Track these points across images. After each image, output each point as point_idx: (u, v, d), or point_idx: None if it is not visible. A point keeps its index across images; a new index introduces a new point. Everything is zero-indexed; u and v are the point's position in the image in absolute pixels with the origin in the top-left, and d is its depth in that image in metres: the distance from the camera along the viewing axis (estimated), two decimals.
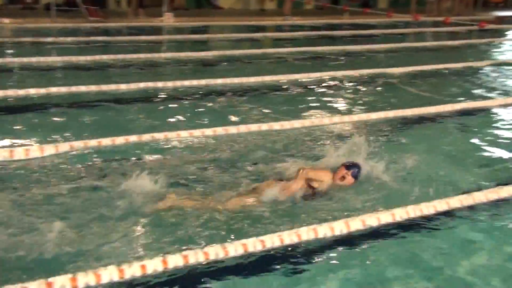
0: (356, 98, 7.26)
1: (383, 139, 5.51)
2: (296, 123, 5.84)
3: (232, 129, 5.53)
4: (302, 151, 5.04)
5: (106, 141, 4.93)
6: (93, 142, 4.88)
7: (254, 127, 5.63)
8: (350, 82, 8.16)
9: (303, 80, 8.11)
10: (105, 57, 8.83)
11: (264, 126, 5.66)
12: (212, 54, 9.88)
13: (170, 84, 7.37)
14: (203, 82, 7.52)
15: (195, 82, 7.48)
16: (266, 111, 6.35)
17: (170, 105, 6.53)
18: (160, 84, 7.29)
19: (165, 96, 6.94)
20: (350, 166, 4.21)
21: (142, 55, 9.23)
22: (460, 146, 5.45)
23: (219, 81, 7.64)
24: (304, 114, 6.28)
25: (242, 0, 17.44)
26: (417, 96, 7.46)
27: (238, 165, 4.57)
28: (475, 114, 6.63)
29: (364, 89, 7.87)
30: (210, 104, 6.57)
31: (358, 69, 8.81)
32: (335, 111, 6.52)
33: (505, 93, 7.80)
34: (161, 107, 6.46)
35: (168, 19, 13.35)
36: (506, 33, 13.94)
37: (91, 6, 12.97)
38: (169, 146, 5.02)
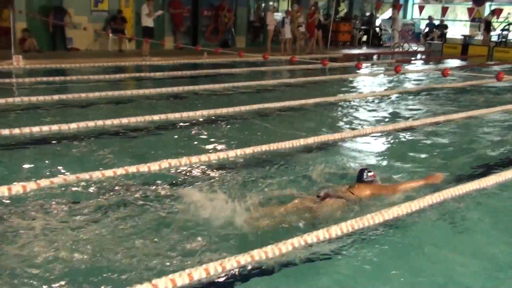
0: (215, 137, 7.33)
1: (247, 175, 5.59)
2: (154, 166, 5.78)
3: (86, 175, 5.34)
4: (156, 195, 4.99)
5: None
6: None
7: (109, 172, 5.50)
8: (207, 122, 8.25)
9: (162, 120, 8.06)
10: None
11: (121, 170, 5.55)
12: (66, 97, 9.46)
13: (17, 131, 6.96)
14: (54, 127, 7.20)
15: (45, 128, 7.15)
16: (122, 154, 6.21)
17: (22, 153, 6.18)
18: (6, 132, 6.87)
19: (14, 143, 6.53)
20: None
21: None
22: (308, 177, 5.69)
23: (73, 125, 7.35)
24: (163, 154, 6.23)
25: (99, 41, 17.07)
26: (272, 131, 7.73)
27: None
28: (325, 147, 7.00)
29: (221, 128, 7.99)
30: (65, 150, 6.34)
31: (216, 108, 8.94)
32: (194, 151, 6.51)
33: (352, 127, 8.36)
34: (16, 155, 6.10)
35: (18, 62, 12.64)
36: (351, 68, 15.01)
37: None
38: None
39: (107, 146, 6.56)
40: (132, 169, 5.62)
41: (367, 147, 7.14)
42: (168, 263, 3.75)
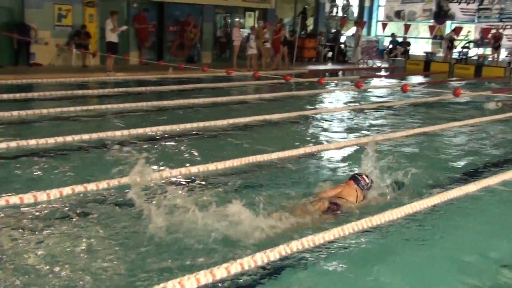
0: (179, 153, 7.30)
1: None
2: (113, 182, 5.71)
3: (43, 194, 5.21)
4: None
5: None
6: None
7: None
8: (172, 137, 8.21)
9: (126, 136, 7.99)
10: None
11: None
12: (30, 112, 9.30)
13: None
14: (12, 144, 7.06)
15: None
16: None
17: None
18: None
19: None
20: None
21: None
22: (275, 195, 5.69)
23: (32, 141, 7.22)
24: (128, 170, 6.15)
25: (62, 57, 16.86)
26: (235, 147, 7.73)
27: None
28: (289, 162, 7.04)
29: (185, 143, 7.95)
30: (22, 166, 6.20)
31: (180, 123, 8.91)
32: (158, 167, 6.46)
33: (317, 141, 8.43)
34: None
35: None
36: (315, 84, 15.17)
37: None
38: None
39: (69, 162, 6.46)
40: (92, 186, 5.54)
41: (331, 162, 7.20)
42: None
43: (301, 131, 9.28)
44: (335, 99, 13.55)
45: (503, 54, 22.20)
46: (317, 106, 12.15)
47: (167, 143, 7.86)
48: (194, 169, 6.39)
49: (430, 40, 25.60)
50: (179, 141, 8.02)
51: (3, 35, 15.34)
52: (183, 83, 14.35)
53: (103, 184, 5.63)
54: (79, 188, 5.46)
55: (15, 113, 9.12)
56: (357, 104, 12.66)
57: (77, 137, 7.61)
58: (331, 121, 10.27)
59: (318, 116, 10.70)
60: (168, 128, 8.60)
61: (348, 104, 12.67)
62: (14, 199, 5.06)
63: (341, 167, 6.98)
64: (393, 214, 5.10)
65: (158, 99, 11.47)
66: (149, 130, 8.39)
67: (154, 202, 4.82)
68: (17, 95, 11.26)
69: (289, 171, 6.63)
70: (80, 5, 17.19)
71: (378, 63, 23.79)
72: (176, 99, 11.57)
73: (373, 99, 13.75)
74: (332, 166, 7.01)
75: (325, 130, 9.45)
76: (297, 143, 8.08)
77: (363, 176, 5.47)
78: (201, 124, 9.01)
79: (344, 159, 7.41)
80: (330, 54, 24.82)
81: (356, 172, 5.74)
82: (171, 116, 9.95)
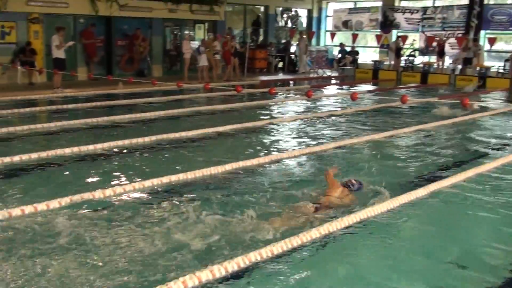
0: (131, 168, 7.18)
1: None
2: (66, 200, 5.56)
3: None
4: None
5: None
6: None
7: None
8: (123, 152, 8.08)
9: (76, 153, 7.81)
10: None
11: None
12: None
13: None
14: None
15: None
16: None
17: None
18: None
19: None
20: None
21: None
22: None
23: None
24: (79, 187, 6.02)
25: (7, 75, 16.36)
26: (188, 159, 7.67)
27: None
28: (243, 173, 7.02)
29: (146, 156, 7.85)
30: None
31: (132, 138, 8.78)
32: (110, 183, 6.33)
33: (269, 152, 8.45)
34: None
35: None
36: (267, 95, 15.27)
37: None
38: None
39: (16, 184, 6.26)
40: (42, 206, 5.39)
41: (282, 172, 7.22)
42: None
43: (254, 142, 9.28)
44: (286, 109, 13.65)
45: (447, 61, 22.92)
46: (268, 116, 12.19)
47: (119, 159, 7.73)
48: (148, 183, 6.29)
49: (378, 49, 26.15)
50: (132, 156, 7.90)
51: None
52: (133, 97, 14.17)
53: (54, 204, 5.47)
54: (29, 209, 5.30)
55: None
56: (308, 113, 12.80)
57: (24, 157, 7.39)
58: (283, 131, 10.34)
59: (270, 126, 10.73)
60: (120, 143, 8.46)
61: (299, 113, 12.78)
62: None
63: (296, 175, 7.02)
64: (345, 221, 5.18)
65: (109, 114, 11.28)
66: (100, 147, 8.22)
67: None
68: None
69: (244, 181, 6.62)
70: (24, 22, 16.75)
71: (328, 72, 24.15)
72: (128, 113, 11.40)
73: (324, 107, 13.93)
74: (287, 174, 7.03)
75: (278, 140, 9.50)
76: (251, 154, 8.09)
77: (351, 179, 6.06)
78: (153, 137, 8.90)
79: (297, 168, 7.45)
80: (280, 64, 25.05)
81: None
82: (122, 131, 9.79)
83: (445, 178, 6.76)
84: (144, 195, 6.03)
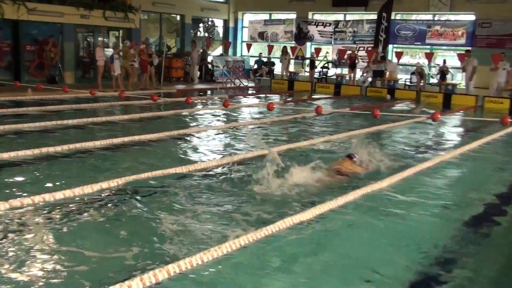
0: (49, 177, 6.84)
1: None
2: None
3: None
4: None
5: None
6: None
7: None
8: (34, 162, 7.69)
9: None
10: None
11: None
12: None
13: None
14: None
15: None
16: None
17: None
18: None
19: None
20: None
21: None
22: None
23: None
24: None
25: None
26: (101, 169, 7.42)
27: None
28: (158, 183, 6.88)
29: (54, 167, 7.50)
30: None
31: (42, 146, 8.38)
32: (14, 194, 5.99)
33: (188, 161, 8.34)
34: None
35: None
36: (183, 104, 15.14)
37: None
38: None
39: None
40: None
41: (202, 181, 7.14)
42: None
43: (170, 151, 9.14)
44: (203, 119, 13.55)
45: (358, 73, 23.82)
46: (185, 126, 12.05)
47: (29, 168, 7.34)
48: (59, 195, 6.01)
49: (293, 61, 26.74)
50: (41, 165, 7.53)
51: None
52: (44, 104, 13.54)
53: None
54: None
55: None
56: (225, 123, 12.79)
57: None
58: (199, 141, 10.23)
59: (187, 136, 10.60)
60: (29, 152, 8.04)
61: (216, 123, 12.75)
62: None
63: (214, 184, 6.96)
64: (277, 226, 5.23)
65: (16, 122, 10.71)
66: (7, 156, 7.77)
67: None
68: None
69: (162, 191, 6.49)
70: None
71: (245, 82, 24.37)
72: (37, 121, 10.87)
73: (240, 117, 13.99)
74: (206, 183, 6.97)
75: (194, 149, 9.39)
76: (168, 163, 7.94)
77: (353, 154, 7.74)
78: (66, 146, 8.54)
79: (213, 178, 7.39)
80: (197, 73, 24.98)
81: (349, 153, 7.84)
82: (31, 139, 9.31)
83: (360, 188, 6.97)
84: (60, 206, 5.74)
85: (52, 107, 13.17)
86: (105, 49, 19.31)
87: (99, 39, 20.78)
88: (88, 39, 21.31)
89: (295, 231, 5.23)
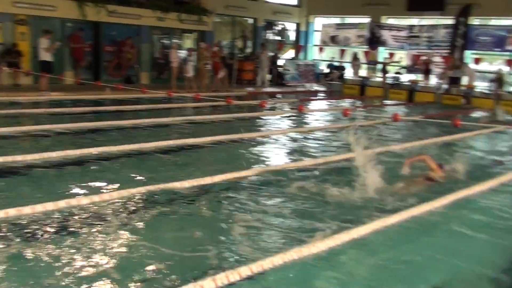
0: (115, 175, 7.01)
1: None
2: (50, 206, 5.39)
3: None
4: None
5: None
6: None
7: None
8: (112, 159, 7.90)
9: (61, 157, 7.62)
10: None
11: None
12: None
13: None
14: None
15: None
16: None
17: None
18: None
19: None
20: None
21: None
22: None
23: None
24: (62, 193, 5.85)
25: None
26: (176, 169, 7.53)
27: None
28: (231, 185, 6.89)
29: (131, 163, 7.69)
30: None
31: (119, 144, 8.60)
32: (92, 190, 6.17)
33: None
34: None
35: None
36: (256, 107, 15.17)
37: None
38: None
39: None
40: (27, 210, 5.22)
41: (274, 184, 7.08)
42: None
43: (243, 154, 9.15)
44: (276, 122, 13.52)
45: (432, 80, 23.11)
46: (258, 129, 12.09)
47: (105, 164, 7.55)
48: (140, 190, 6.13)
49: (364, 65, 26.30)
50: (117, 162, 7.73)
51: None
52: (121, 103, 13.96)
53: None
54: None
55: None
56: (298, 127, 12.71)
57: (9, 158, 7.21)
58: (272, 144, 10.19)
59: (260, 139, 10.59)
60: (106, 149, 8.28)
61: (290, 127, 12.70)
62: None
63: (289, 186, 6.88)
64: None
65: (96, 120, 11.09)
66: (87, 151, 8.04)
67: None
68: None
69: (236, 192, 6.49)
70: (11, 23, 16.52)
71: (316, 87, 24.20)
72: (115, 119, 11.21)
73: (313, 122, 13.86)
74: (276, 188, 6.90)
75: (268, 152, 9.38)
76: (241, 165, 7.95)
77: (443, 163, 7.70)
78: (142, 145, 8.74)
79: (289, 180, 7.30)
80: (268, 76, 25.01)
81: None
82: (109, 137, 9.61)
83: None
84: (136, 201, 5.87)
85: (133, 107, 13.54)
86: (179, 51, 19.72)
87: (173, 41, 21.25)
88: (163, 41, 21.83)
89: (381, 235, 5.11)
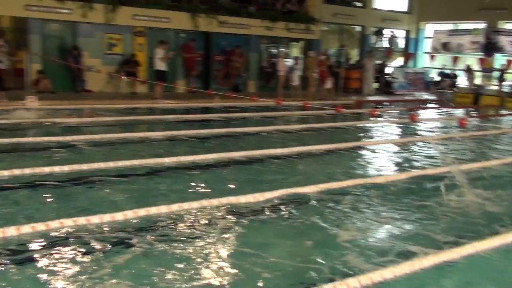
0: (224, 182, 7.17)
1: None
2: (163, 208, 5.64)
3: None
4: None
5: None
6: None
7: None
8: (219, 165, 8.10)
9: (175, 163, 7.95)
10: None
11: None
12: (80, 138, 9.41)
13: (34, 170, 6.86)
14: (65, 168, 7.10)
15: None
16: None
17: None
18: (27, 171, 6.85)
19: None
20: None
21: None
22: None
23: (84, 166, 7.24)
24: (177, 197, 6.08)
25: (112, 83, 17.15)
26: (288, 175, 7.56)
27: None
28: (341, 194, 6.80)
29: (235, 172, 7.84)
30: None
31: (230, 151, 8.81)
32: (201, 195, 6.34)
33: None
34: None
35: (31, 103, 12.65)
36: (364, 115, 14.92)
37: None
38: None
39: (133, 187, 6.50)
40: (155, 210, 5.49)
41: (381, 194, 6.90)
42: None
43: (355, 163, 9.02)
44: (386, 131, 13.17)
45: None
46: (367, 138, 11.89)
47: (214, 170, 7.76)
48: (242, 199, 6.23)
49: (478, 73, 24.97)
50: (226, 169, 7.91)
51: (58, 62, 15.74)
52: (230, 111, 14.33)
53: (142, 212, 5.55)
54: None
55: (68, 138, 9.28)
56: (410, 136, 12.34)
57: (127, 163, 7.63)
58: (383, 153, 9.99)
59: (369, 148, 10.41)
60: (215, 156, 8.50)
61: (401, 136, 12.38)
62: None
63: (391, 201, 6.69)
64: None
65: (205, 127, 11.46)
66: (198, 159, 8.31)
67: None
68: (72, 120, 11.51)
69: (342, 202, 6.39)
70: (130, 35, 17.56)
71: (425, 95, 23.36)
72: (225, 127, 11.50)
73: (426, 131, 13.33)
74: (383, 198, 6.72)
75: (379, 162, 9.18)
76: (351, 174, 7.85)
77: None
78: (255, 152, 8.90)
79: (394, 192, 7.09)
80: (375, 85, 24.52)
81: None
82: (220, 143, 9.88)
83: None
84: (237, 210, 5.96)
85: (238, 115, 13.87)
86: (285, 60, 19.90)
87: (281, 50, 21.47)
88: (270, 50, 22.13)
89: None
